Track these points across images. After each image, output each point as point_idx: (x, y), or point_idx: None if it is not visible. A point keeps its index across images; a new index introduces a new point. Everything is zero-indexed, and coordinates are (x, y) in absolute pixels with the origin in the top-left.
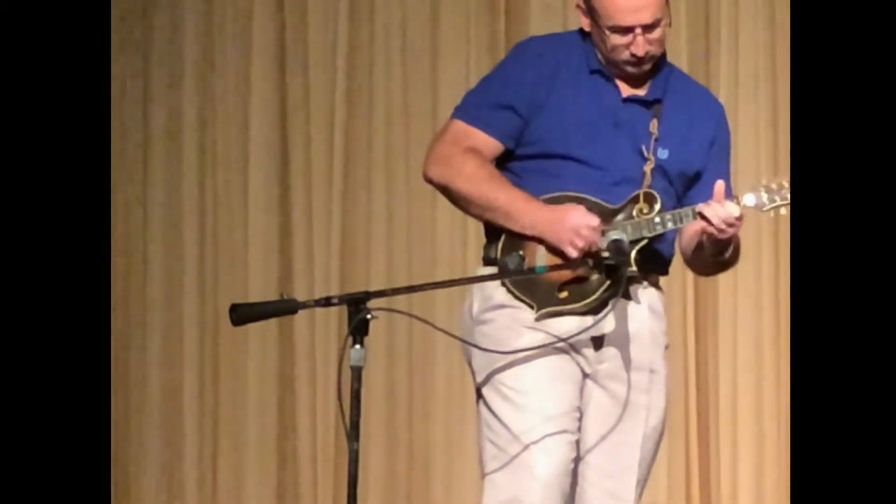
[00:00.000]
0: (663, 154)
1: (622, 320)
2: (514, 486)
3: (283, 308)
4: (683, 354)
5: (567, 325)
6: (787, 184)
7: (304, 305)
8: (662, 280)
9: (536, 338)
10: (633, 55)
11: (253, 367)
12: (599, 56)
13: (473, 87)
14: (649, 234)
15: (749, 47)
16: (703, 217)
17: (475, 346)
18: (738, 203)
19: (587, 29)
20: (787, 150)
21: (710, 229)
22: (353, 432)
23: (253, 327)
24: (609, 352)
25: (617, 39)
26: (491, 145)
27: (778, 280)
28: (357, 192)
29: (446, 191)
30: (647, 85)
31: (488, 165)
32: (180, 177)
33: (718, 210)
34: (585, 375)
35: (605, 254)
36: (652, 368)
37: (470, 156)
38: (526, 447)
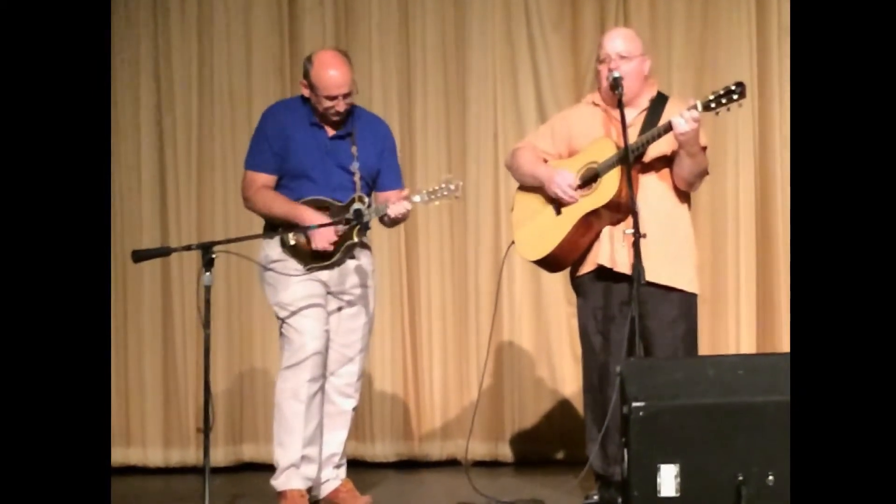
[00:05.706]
0: (356, 165)
1: (350, 265)
2: (300, 354)
3: (163, 251)
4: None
5: (320, 274)
6: (437, 186)
7: (175, 249)
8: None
9: (302, 278)
10: (336, 112)
11: (147, 289)
12: (314, 112)
13: (249, 146)
14: (369, 218)
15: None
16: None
17: (283, 273)
18: (409, 199)
19: (307, 95)
20: (458, 155)
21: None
22: (206, 321)
23: (147, 263)
24: (344, 280)
25: (327, 103)
26: (268, 178)
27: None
28: (207, 187)
29: (256, 212)
30: (344, 125)
31: (270, 192)
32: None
33: (402, 205)
34: (329, 293)
35: (354, 222)
36: (363, 284)
37: (260, 190)
38: (300, 334)
